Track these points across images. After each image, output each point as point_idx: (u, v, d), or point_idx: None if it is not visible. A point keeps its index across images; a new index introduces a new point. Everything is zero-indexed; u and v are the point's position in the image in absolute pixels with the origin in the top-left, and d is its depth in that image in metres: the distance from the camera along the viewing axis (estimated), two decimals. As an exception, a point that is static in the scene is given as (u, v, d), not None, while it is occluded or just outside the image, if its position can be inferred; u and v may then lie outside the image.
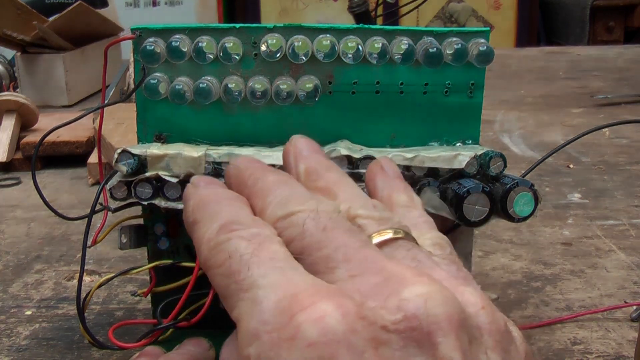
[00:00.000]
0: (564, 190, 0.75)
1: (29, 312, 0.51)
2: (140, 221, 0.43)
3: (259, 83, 0.40)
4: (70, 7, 1.17)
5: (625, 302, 0.50)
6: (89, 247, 0.40)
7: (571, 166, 0.84)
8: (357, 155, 0.39)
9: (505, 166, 0.40)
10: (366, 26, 0.41)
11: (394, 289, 0.25)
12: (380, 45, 0.40)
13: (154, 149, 0.39)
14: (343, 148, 0.39)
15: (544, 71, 1.47)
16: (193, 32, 0.40)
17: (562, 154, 0.87)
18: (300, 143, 0.35)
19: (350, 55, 0.40)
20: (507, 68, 1.50)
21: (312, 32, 0.40)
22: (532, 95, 1.25)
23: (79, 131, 0.90)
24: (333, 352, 0.23)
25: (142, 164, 0.39)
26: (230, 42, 0.40)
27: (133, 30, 0.40)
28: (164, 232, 0.43)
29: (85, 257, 0.40)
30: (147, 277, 0.53)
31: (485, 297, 0.27)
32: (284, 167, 0.35)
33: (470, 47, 0.41)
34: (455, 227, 0.45)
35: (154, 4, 2.49)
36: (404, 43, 0.41)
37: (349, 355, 0.23)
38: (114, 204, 0.41)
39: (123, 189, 0.40)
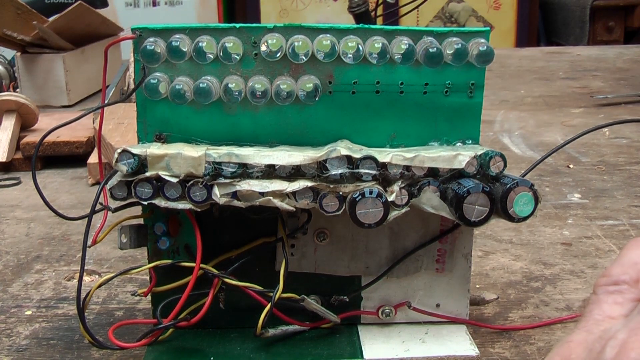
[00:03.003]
0: (564, 190, 0.75)
1: (29, 312, 0.51)
2: (141, 221, 0.44)
3: (259, 83, 0.40)
4: (70, 7, 1.17)
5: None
6: (89, 247, 0.40)
7: (571, 166, 0.84)
8: (357, 155, 0.39)
9: (505, 166, 0.40)
10: (366, 26, 0.41)
11: None
12: (380, 45, 0.40)
13: (154, 149, 0.39)
14: (343, 148, 0.39)
15: (544, 71, 1.47)
16: (193, 32, 0.40)
17: (562, 154, 0.87)
18: None
19: (350, 55, 0.40)
20: (507, 68, 1.50)
21: (312, 32, 0.40)
22: (532, 95, 1.25)
23: (79, 131, 0.90)
24: None
25: (142, 163, 0.39)
26: (230, 42, 0.40)
27: (133, 30, 0.40)
28: (164, 232, 0.43)
29: (85, 257, 0.40)
30: (147, 277, 0.53)
31: None
32: None
33: (470, 47, 0.41)
34: (455, 227, 0.45)
35: (154, 4, 2.49)
36: (404, 43, 0.41)
37: None
38: (114, 204, 0.41)
39: (123, 188, 0.40)
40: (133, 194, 0.40)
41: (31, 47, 1.18)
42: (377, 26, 0.41)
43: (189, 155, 0.39)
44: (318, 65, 0.41)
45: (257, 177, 0.39)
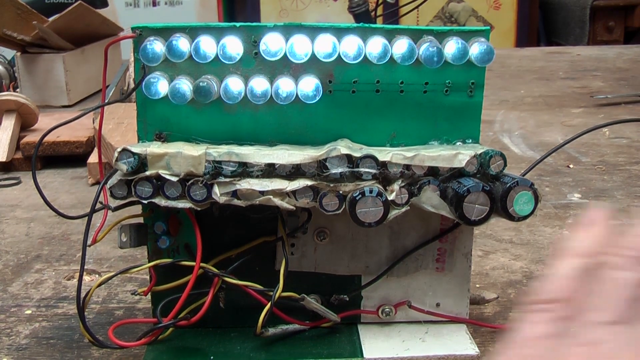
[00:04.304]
0: (564, 190, 0.75)
1: (29, 312, 0.51)
2: (141, 220, 0.43)
3: (259, 82, 0.40)
4: (70, 7, 1.17)
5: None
6: (89, 246, 0.40)
7: (571, 166, 0.84)
8: (357, 154, 0.39)
9: (505, 165, 0.40)
10: (366, 25, 0.40)
11: None
12: (380, 44, 0.40)
13: (154, 148, 0.39)
14: (343, 147, 0.39)
15: (544, 71, 1.47)
16: (193, 31, 0.40)
17: (562, 154, 0.87)
18: None
19: (350, 55, 0.40)
20: (507, 68, 1.50)
21: (312, 31, 0.40)
22: (532, 95, 1.25)
23: (79, 131, 0.90)
24: None
25: (142, 162, 0.39)
26: (230, 41, 0.40)
27: (133, 29, 0.40)
28: (164, 231, 0.43)
29: (85, 256, 0.40)
30: (147, 276, 0.53)
31: None
32: None
33: (470, 46, 0.41)
34: (455, 226, 0.45)
35: (154, 4, 2.49)
36: (404, 42, 0.41)
37: None
38: (114, 203, 0.41)
39: (123, 187, 0.40)
40: (133, 193, 0.39)
41: (31, 47, 1.18)
42: (377, 25, 0.41)
43: (189, 154, 0.39)
44: (318, 65, 0.41)
45: (257, 176, 0.39)
